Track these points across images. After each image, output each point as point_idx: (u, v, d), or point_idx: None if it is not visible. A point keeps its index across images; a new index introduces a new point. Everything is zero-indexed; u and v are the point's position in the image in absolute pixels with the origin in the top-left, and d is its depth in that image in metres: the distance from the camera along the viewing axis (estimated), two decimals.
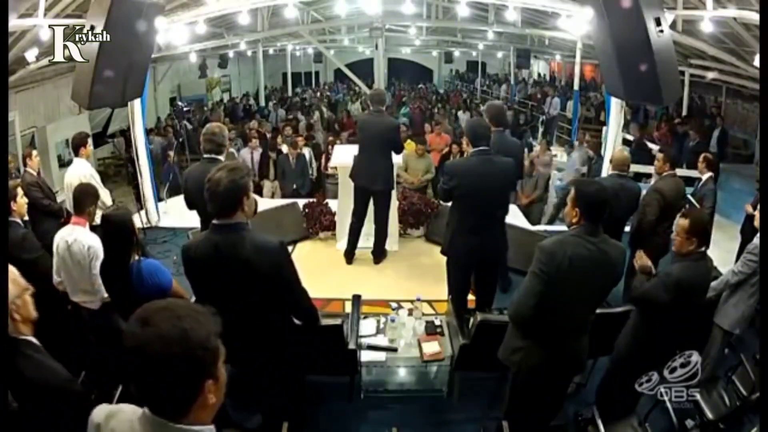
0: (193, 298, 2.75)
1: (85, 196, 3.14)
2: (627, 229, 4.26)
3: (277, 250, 2.13)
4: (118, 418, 1.16)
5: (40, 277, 3.04)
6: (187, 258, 2.17)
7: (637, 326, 2.77)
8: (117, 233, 2.58)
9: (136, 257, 2.61)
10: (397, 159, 4.71)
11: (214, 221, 2.11)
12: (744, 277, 3.24)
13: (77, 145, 4.74)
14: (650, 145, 8.32)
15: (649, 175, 6.62)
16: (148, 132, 7.28)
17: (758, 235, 3.22)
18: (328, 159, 6.90)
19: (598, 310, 2.50)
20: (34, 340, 1.79)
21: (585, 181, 2.57)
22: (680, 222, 2.72)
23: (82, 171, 4.60)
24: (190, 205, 3.46)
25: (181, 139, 9.47)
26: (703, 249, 2.67)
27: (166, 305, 1.05)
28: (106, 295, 2.91)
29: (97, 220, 4.00)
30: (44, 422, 1.73)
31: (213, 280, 2.13)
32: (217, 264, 2.09)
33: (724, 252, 4.32)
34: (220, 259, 2.08)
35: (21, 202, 3.31)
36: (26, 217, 3.68)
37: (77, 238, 2.99)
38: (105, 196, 4.71)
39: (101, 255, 2.91)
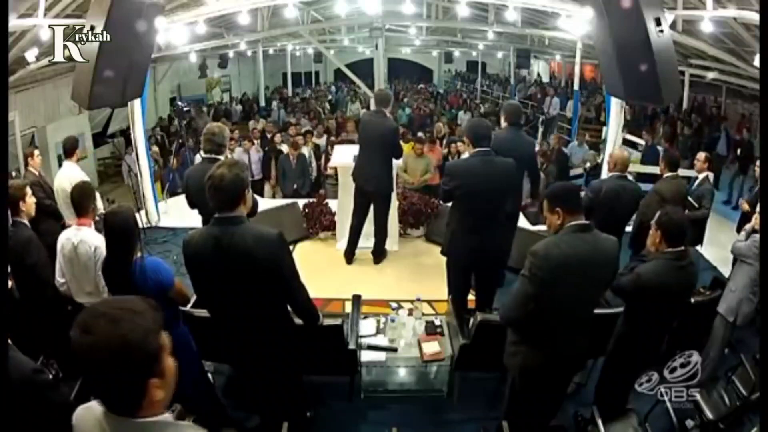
0: (194, 298, 2.78)
1: (85, 195, 3.09)
2: (628, 229, 4.25)
3: (276, 240, 2.16)
4: (88, 415, 1.19)
5: (40, 282, 3.05)
6: (188, 250, 2.19)
7: (621, 324, 2.76)
8: (119, 231, 2.58)
9: (139, 254, 2.60)
10: (396, 160, 4.71)
11: (216, 215, 2.15)
12: (740, 256, 3.30)
13: (70, 148, 4.62)
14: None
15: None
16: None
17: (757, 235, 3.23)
18: (327, 159, 6.90)
19: (597, 311, 2.49)
20: None
21: (550, 187, 2.58)
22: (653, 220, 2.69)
23: (73, 175, 4.43)
24: (192, 204, 3.47)
25: (181, 140, 9.51)
26: (680, 249, 2.58)
27: (104, 311, 1.07)
28: (107, 295, 2.90)
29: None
30: (16, 416, 1.72)
31: (213, 271, 2.15)
32: (217, 254, 2.11)
33: (724, 251, 4.32)
34: (220, 250, 2.10)
35: (30, 202, 3.27)
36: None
37: (83, 239, 2.96)
38: (98, 200, 4.65)
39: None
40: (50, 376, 1.92)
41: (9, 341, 1.84)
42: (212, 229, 2.15)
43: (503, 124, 4.09)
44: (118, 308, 1.07)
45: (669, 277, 2.54)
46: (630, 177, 4.26)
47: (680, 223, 2.61)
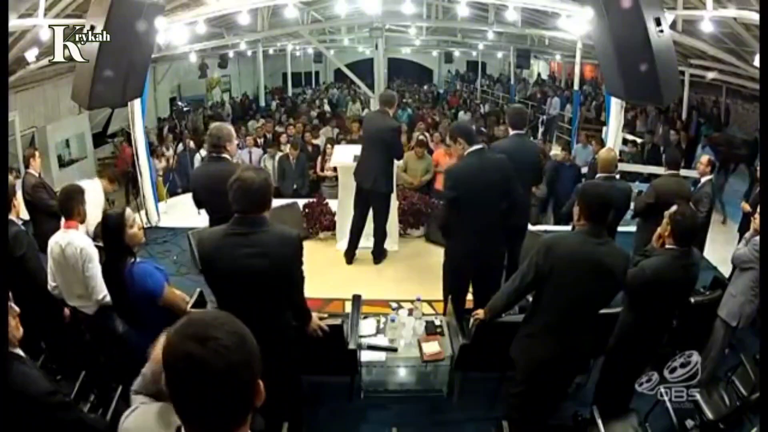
0: (190, 304, 2.76)
1: (69, 198, 3.06)
2: (621, 229, 4.23)
3: (296, 242, 2.24)
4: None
5: (29, 274, 3.03)
6: (204, 247, 2.25)
7: (623, 323, 2.78)
8: (110, 232, 2.56)
9: (132, 260, 2.57)
10: (397, 161, 4.71)
11: (236, 215, 2.18)
12: (741, 263, 3.29)
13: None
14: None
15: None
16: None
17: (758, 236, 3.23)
18: (325, 161, 6.88)
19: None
20: (19, 351, 1.80)
21: (592, 183, 2.67)
22: (669, 211, 2.72)
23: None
24: (198, 203, 3.47)
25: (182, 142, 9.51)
26: (685, 249, 2.63)
27: (213, 317, 0.99)
28: (100, 297, 2.86)
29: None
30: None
31: (229, 268, 2.18)
32: (237, 253, 2.16)
33: (724, 252, 4.32)
34: (241, 249, 2.15)
35: (19, 202, 3.31)
36: (24, 217, 3.67)
37: (70, 241, 2.92)
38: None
39: (95, 256, 2.89)
40: (64, 397, 1.90)
41: (25, 355, 1.85)
42: (233, 227, 2.18)
43: (508, 129, 4.02)
44: (217, 316, 1.00)
45: (672, 274, 2.60)
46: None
47: (691, 224, 2.67)
